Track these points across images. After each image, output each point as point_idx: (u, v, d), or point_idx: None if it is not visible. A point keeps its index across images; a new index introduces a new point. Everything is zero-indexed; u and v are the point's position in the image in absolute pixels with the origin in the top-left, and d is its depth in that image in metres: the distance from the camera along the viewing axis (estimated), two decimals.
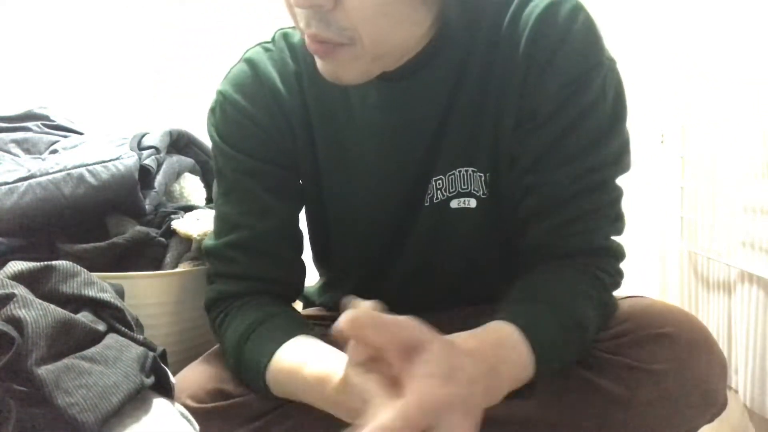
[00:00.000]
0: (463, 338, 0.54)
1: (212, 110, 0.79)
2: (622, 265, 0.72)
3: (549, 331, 0.60)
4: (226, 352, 0.73)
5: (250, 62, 0.77)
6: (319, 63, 0.64)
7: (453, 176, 0.73)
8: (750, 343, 1.05)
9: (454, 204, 0.74)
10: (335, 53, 0.61)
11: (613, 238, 0.71)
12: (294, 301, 0.83)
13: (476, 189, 0.73)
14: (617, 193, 0.71)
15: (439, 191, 0.74)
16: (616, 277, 0.70)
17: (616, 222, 0.71)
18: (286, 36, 0.77)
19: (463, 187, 0.74)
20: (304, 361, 0.62)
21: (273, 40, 0.78)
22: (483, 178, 0.73)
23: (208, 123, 0.79)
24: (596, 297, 0.66)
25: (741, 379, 1.09)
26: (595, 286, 0.67)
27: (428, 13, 0.63)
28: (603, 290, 0.67)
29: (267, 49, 0.77)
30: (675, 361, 0.64)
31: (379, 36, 0.60)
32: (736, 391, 1.11)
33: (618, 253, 0.71)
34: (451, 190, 0.74)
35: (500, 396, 0.55)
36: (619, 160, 0.70)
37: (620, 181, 0.71)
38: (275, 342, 0.66)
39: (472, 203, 0.74)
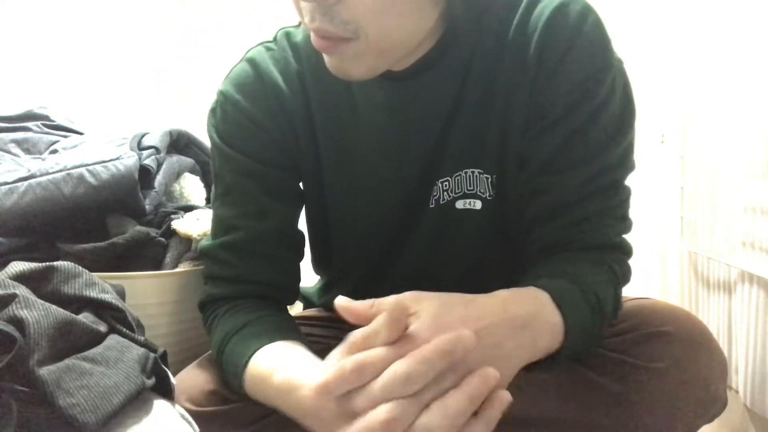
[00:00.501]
0: (490, 294, 0.56)
1: (213, 110, 0.78)
2: (630, 262, 0.72)
3: (576, 301, 0.60)
4: (214, 356, 0.74)
5: (251, 62, 0.76)
6: (326, 59, 0.64)
7: (459, 177, 0.73)
8: (750, 343, 1.05)
9: (459, 205, 0.74)
10: (340, 49, 0.60)
11: (623, 236, 0.71)
12: (291, 304, 0.82)
13: (482, 190, 0.73)
14: (626, 194, 0.71)
15: (445, 192, 0.74)
16: (626, 271, 0.70)
17: (624, 221, 0.71)
18: (288, 35, 0.77)
19: (469, 188, 0.73)
20: (274, 368, 0.61)
21: (275, 39, 0.78)
22: (489, 180, 0.73)
23: (209, 123, 0.79)
24: (611, 285, 0.66)
25: (741, 379, 1.09)
26: (609, 275, 0.67)
27: (434, 8, 0.63)
28: (616, 279, 0.67)
29: (269, 49, 0.77)
30: (675, 360, 0.64)
31: (383, 30, 0.59)
32: (737, 391, 1.11)
33: (628, 250, 0.71)
34: (456, 191, 0.74)
35: (537, 351, 0.56)
36: (625, 161, 0.70)
37: (627, 181, 0.71)
38: (249, 348, 0.65)
39: (478, 204, 0.74)
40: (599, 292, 0.63)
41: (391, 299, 0.51)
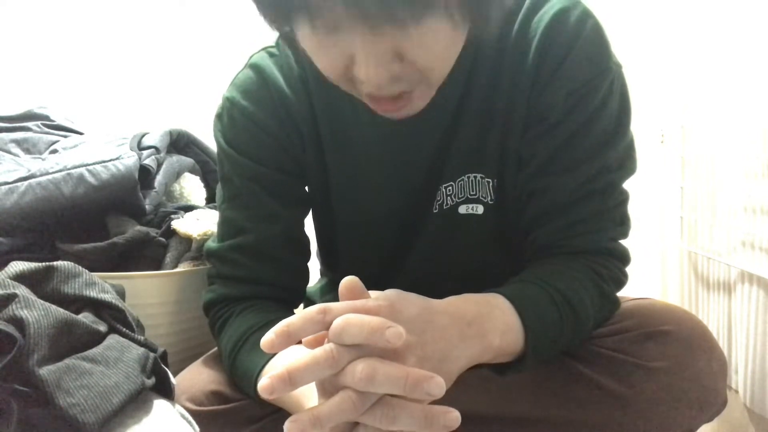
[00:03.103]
0: (440, 299, 0.56)
1: (219, 116, 0.78)
2: (627, 269, 0.72)
3: (536, 301, 0.61)
4: (222, 355, 0.73)
5: (255, 68, 0.76)
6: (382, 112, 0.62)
7: (462, 182, 0.74)
8: (750, 343, 1.05)
9: (462, 210, 0.74)
10: (410, 101, 0.59)
11: (618, 241, 0.72)
12: (296, 306, 0.82)
13: (484, 195, 0.74)
14: (623, 197, 0.71)
15: (448, 197, 0.74)
16: (618, 274, 0.71)
17: (622, 225, 0.72)
18: None
19: (471, 193, 0.74)
20: None
21: (277, 44, 0.78)
22: (491, 184, 0.73)
23: (215, 129, 0.79)
24: (591, 285, 0.66)
25: (741, 379, 1.09)
26: (591, 276, 0.67)
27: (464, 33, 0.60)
28: (601, 281, 0.68)
29: (272, 54, 0.77)
30: (675, 359, 0.65)
31: (445, 67, 0.58)
32: (737, 391, 1.11)
33: (622, 256, 0.72)
34: (459, 196, 0.74)
35: (489, 348, 0.55)
36: (624, 164, 0.70)
37: (626, 184, 0.72)
38: (265, 354, 0.64)
39: (480, 209, 0.74)
40: (567, 290, 0.63)
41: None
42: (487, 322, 0.56)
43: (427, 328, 0.51)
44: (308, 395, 0.57)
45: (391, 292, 0.52)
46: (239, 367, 0.69)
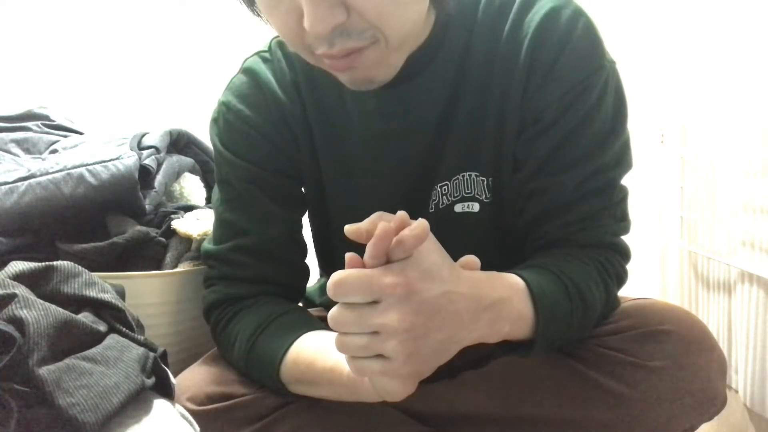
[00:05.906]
0: (473, 271, 0.57)
1: (215, 120, 0.79)
2: (628, 266, 0.73)
3: (553, 294, 0.61)
4: (233, 348, 0.73)
5: (249, 72, 0.77)
6: (346, 77, 0.63)
7: (457, 181, 0.74)
8: (750, 343, 1.05)
9: (458, 208, 0.75)
10: (363, 59, 0.59)
11: (620, 237, 0.72)
12: (298, 303, 0.83)
13: (479, 193, 0.74)
14: (623, 193, 0.72)
15: (444, 197, 0.75)
16: (620, 270, 0.71)
17: (623, 221, 0.72)
18: (281, 44, 0.78)
19: (467, 191, 0.74)
20: (322, 349, 0.63)
21: (269, 48, 0.78)
22: (486, 183, 0.73)
23: (211, 132, 0.80)
24: (600, 281, 0.67)
25: (741, 379, 1.09)
26: (599, 270, 0.68)
27: None
28: (607, 276, 0.68)
29: (265, 60, 0.78)
30: (674, 358, 0.65)
31: (397, 24, 0.58)
32: (736, 391, 1.11)
33: (624, 252, 0.72)
34: (455, 195, 0.74)
35: (497, 333, 0.57)
36: (621, 161, 0.70)
37: (624, 181, 0.72)
38: (291, 335, 0.67)
39: (476, 207, 0.74)
40: (581, 283, 0.64)
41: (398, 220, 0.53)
42: (503, 309, 0.57)
43: (438, 313, 0.52)
44: (342, 364, 0.58)
45: (425, 261, 0.52)
46: (259, 351, 0.69)
